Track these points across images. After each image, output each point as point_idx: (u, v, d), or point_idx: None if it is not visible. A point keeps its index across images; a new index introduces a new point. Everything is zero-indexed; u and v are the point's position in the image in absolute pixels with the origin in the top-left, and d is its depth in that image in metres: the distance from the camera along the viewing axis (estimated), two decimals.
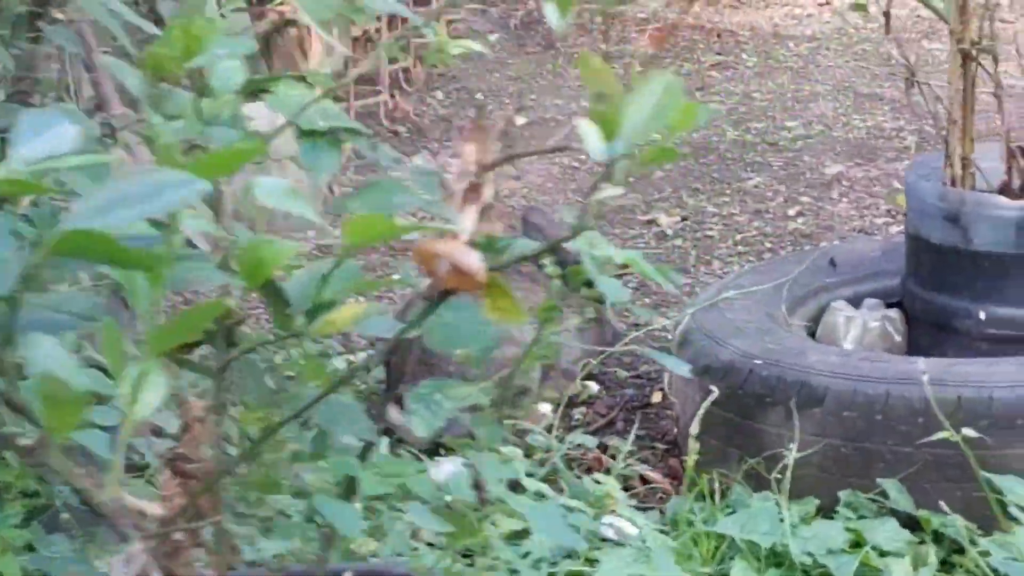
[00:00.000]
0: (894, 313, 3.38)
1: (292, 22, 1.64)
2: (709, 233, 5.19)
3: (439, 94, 7.38)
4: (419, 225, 1.31)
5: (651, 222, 5.35)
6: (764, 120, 6.63)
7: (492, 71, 7.85)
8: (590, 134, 1.19)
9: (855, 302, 3.51)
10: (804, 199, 5.49)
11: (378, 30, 6.86)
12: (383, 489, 1.53)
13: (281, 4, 1.64)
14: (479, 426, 1.65)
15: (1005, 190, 3.20)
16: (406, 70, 7.40)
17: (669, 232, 5.24)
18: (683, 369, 1.82)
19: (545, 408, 3.62)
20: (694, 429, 3.06)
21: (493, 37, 8.54)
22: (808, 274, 3.57)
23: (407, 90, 7.32)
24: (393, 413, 3.44)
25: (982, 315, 3.16)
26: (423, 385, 1.67)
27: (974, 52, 3.01)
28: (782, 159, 6.01)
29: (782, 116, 6.69)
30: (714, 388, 3.13)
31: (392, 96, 6.94)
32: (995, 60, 3.10)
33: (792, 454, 2.89)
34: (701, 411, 2.96)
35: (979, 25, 3.04)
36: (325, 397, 1.59)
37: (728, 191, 5.66)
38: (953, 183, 3.16)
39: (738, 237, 5.11)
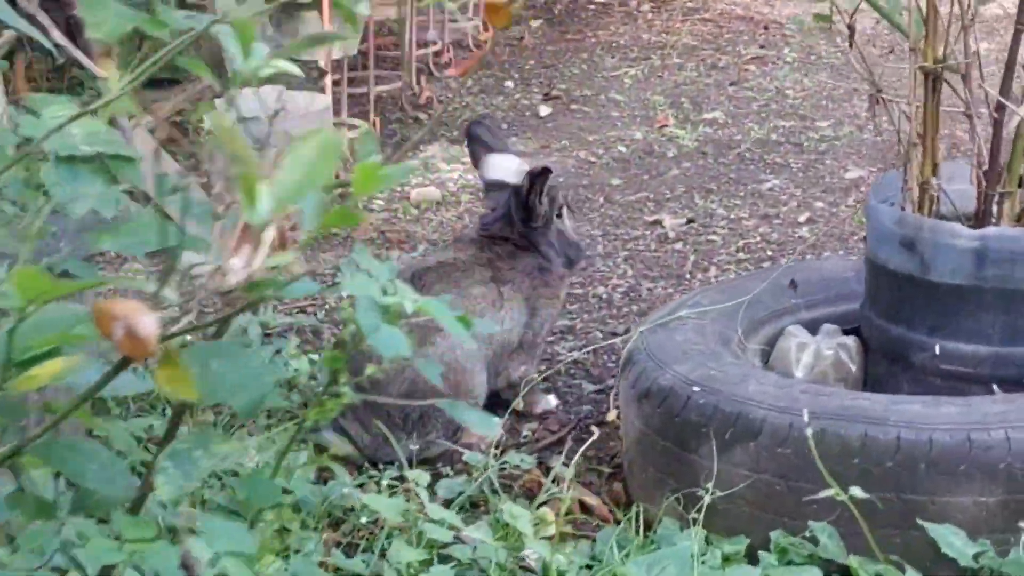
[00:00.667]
0: (851, 341, 3.19)
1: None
2: (712, 237, 5.01)
3: (468, 80, 7.24)
4: (87, 283, 1.17)
5: (656, 223, 5.18)
6: (793, 119, 6.43)
7: (528, 58, 7.69)
8: (247, 197, 1.05)
9: (817, 326, 3.33)
10: (818, 204, 5.29)
11: None
12: (119, 557, 1.40)
13: None
14: (246, 485, 1.52)
15: (978, 216, 3.00)
16: (437, 54, 7.27)
17: (672, 234, 5.06)
18: (491, 426, 1.68)
19: None
20: (627, 458, 2.91)
21: (536, 23, 8.39)
22: (770, 294, 3.39)
23: (436, 76, 7.19)
24: (327, 435, 3.32)
25: (937, 349, 2.96)
26: (182, 439, 1.53)
27: (938, 70, 2.82)
28: (803, 161, 5.81)
29: (813, 115, 6.48)
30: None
31: (418, 82, 6.80)
32: (964, 78, 2.91)
33: (708, 493, 2.73)
34: (588, 441, 2.80)
35: (946, 41, 2.84)
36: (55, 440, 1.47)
37: (742, 193, 5.47)
38: (914, 207, 2.97)
39: (741, 243, 4.93)
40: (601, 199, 5.49)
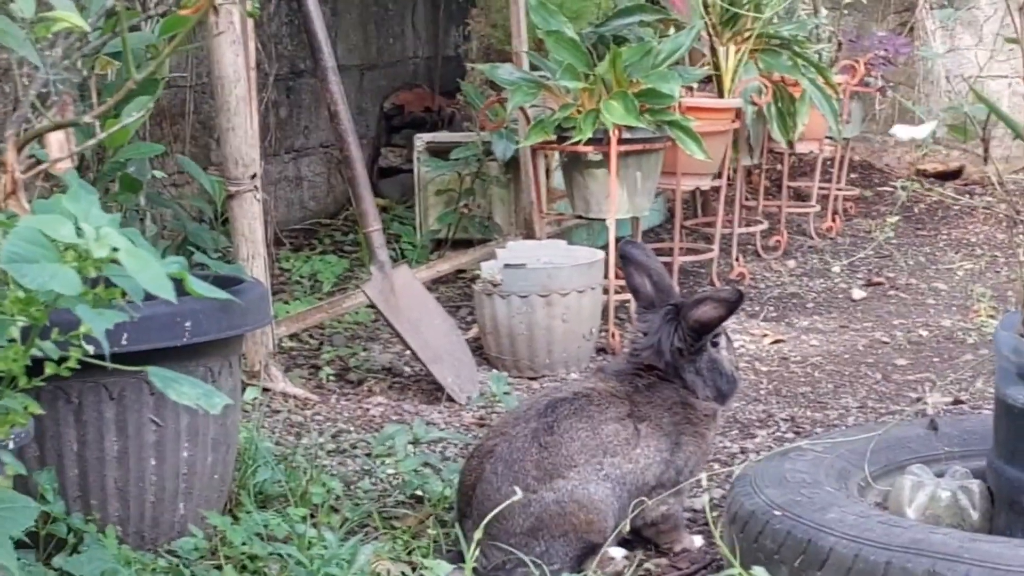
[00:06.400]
0: (976, 486, 2.86)
1: None
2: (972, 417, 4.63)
3: (792, 262, 7.07)
4: None
5: (919, 400, 4.85)
6: None
7: (867, 248, 7.44)
8: None
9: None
10: None
11: None
12: None
13: None
14: None
15: None
16: (768, 233, 7.17)
17: (930, 411, 4.72)
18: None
19: (617, 553, 3.30)
20: None
21: (894, 219, 8.13)
22: (922, 440, 3.11)
23: (761, 256, 7.07)
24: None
25: None
26: None
27: None
28: None
29: None
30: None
31: (737, 258, 6.70)
32: None
33: None
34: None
35: None
36: None
37: None
38: None
39: None
40: (879, 376, 5.20)
